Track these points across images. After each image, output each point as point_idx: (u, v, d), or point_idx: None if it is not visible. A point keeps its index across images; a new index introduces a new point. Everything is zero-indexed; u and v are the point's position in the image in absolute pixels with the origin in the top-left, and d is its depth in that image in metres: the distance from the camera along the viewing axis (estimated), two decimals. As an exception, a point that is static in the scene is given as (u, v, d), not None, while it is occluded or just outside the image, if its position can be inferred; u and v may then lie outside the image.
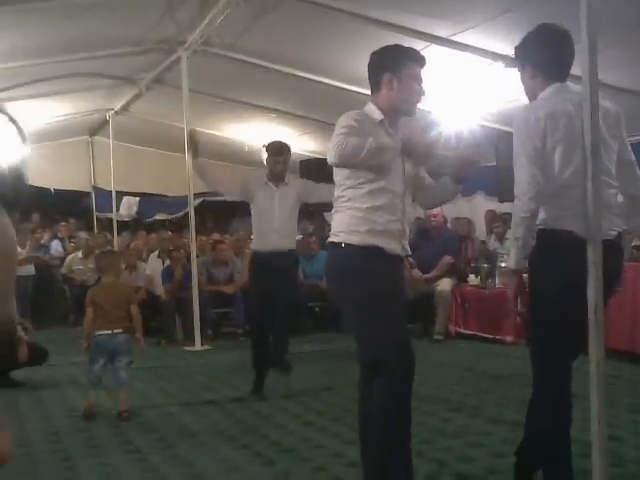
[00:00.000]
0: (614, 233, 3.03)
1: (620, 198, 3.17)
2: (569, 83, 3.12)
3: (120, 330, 5.09)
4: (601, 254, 2.84)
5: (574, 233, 2.92)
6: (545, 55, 3.10)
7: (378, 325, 3.07)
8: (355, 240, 3.11)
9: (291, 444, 4.32)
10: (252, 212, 5.75)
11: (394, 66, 3.19)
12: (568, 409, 3.01)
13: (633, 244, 6.22)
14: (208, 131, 11.86)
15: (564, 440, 3.00)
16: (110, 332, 5.07)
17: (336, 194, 3.22)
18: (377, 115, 3.20)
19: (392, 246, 3.16)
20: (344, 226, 3.15)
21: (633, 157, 3.14)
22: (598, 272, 2.84)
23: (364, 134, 3.00)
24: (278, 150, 5.77)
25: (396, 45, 3.27)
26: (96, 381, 5.13)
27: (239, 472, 3.83)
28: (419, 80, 3.24)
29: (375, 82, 3.26)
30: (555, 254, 2.98)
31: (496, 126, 9.15)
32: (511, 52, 3.22)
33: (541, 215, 3.05)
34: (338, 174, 3.19)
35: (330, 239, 3.22)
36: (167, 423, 4.96)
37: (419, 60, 3.24)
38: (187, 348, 8.65)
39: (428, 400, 5.28)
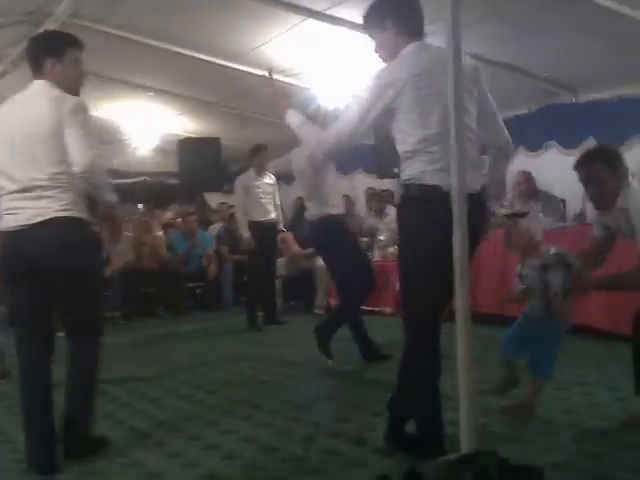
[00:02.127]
0: (477, 187, 3.09)
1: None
2: (428, 41, 3.16)
3: None
4: (466, 207, 2.87)
5: (439, 187, 2.95)
6: (406, 13, 3.14)
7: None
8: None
9: (166, 417, 4.23)
10: None
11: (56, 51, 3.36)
12: (437, 360, 3.06)
13: (505, 212, 6.43)
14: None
15: (434, 390, 3.05)
16: None
17: None
18: None
19: None
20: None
21: (495, 109, 3.21)
22: (463, 225, 2.84)
23: None
24: None
25: (56, 31, 3.45)
26: None
27: (113, 446, 3.70)
28: (80, 63, 3.44)
29: (37, 65, 3.36)
30: (422, 208, 3.02)
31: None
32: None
33: (407, 171, 3.08)
34: None
35: (64, 214, 3.27)
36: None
37: (79, 44, 3.44)
38: (60, 334, 8.28)
39: (308, 369, 5.32)
